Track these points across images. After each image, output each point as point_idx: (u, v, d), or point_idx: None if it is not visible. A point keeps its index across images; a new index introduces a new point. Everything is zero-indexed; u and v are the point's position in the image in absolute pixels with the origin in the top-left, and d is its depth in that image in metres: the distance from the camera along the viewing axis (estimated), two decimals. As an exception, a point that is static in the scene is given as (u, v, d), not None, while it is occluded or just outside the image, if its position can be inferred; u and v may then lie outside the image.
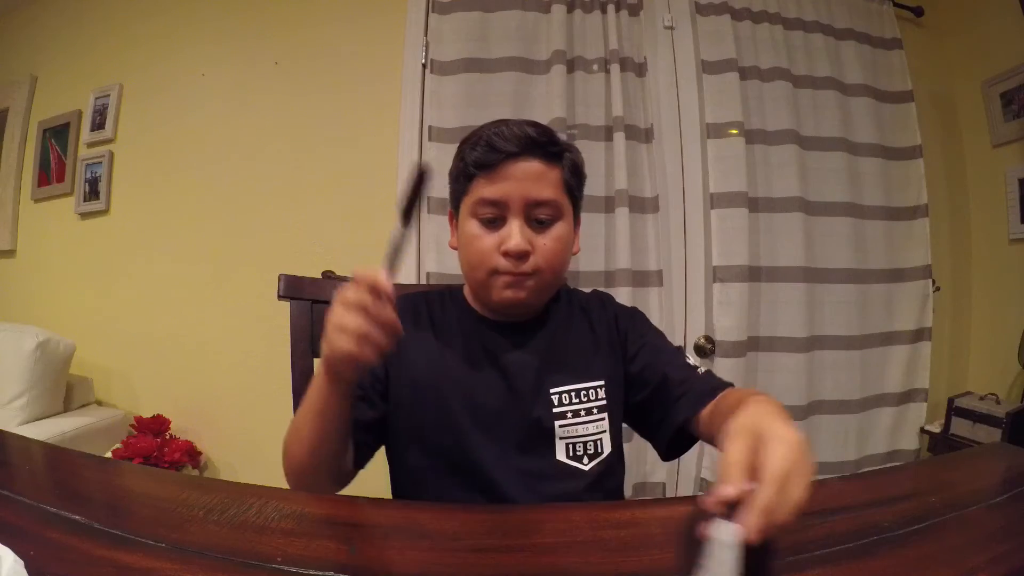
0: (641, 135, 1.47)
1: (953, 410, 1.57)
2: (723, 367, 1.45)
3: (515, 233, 0.65)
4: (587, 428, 0.68)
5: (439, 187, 1.37)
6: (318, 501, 0.51)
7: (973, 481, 0.59)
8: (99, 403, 1.84)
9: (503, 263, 0.66)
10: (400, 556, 0.41)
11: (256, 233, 1.63)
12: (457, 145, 0.73)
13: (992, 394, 1.56)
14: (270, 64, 1.65)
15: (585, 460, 0.68)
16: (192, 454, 1.58)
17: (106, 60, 1.89)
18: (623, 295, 1.39)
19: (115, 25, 1.89)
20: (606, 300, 0.81)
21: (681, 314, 1.51)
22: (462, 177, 0.70)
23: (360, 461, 0.67)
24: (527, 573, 0.40)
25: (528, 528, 0.47)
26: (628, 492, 0.95)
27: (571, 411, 0.68)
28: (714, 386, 0.66)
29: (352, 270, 0.49)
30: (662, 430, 0.69)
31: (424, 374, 0.69)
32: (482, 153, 0.66)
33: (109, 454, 1.48)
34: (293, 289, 0.83)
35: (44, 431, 1.52)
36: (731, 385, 0.67)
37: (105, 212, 1.84)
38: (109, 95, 1.84)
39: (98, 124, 1.85)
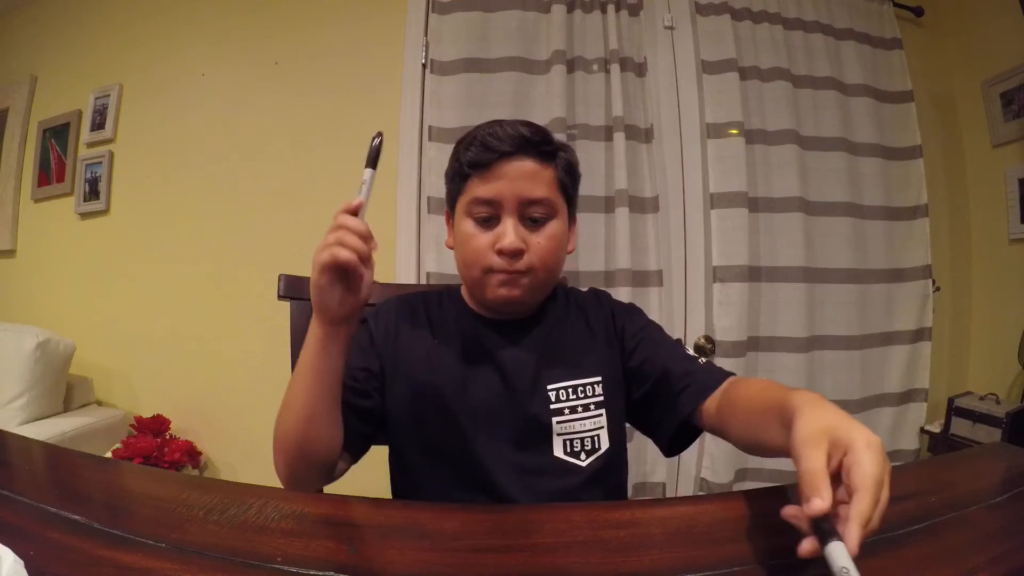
0: (641, 135, 1.47)
1: (953, 410, 1.57)
2: (723, 367, 1.44)
3: (509, 231, 0.66)
4: (584, 424, 0.69)
5: (438, 187, 1.37)
6: (318, 501, 0.51)
7: (973, 481, 0.59)
8: (99, 403, 1.84)
9: (497, 261, 0.66)
10: (400, 556, 0.41)
11: (256, 233, 1.63)
12: None
13: (992, 394, 1.56)
14: (270, 64, 1.65)
15: (582, 456, 0.68)
16: (192, 454, 1.58)
17: (106, 60, 1.89)
18: (623, 295, 1.39)
19: (115, 25, 1.89)
20: (602, 296, 0.81)
21: (681, 314, 1.51)
22: (457, 177, 0.71)
23: (355, 452, 0.67)
24: (527, 573, 0.40)
25: (528, 528, 0.47)
26: (629, 492, 0.94)
27: (568, 407, 0.69)
28: (718, 377, 0.66)
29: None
30: (665, 424, 0.69)
31: (421, 372, 0.70)
32: (476, 153, 0.67)
33: (109, 454, 1.48)
34: (293, 289, 0.84)
35: (44, 431, 1.52)
36: (733, 375, 0.67)
37: (105, 212, 1.84)
38: (109, 95, 1.84)
39: (98, 124, 1.85)
